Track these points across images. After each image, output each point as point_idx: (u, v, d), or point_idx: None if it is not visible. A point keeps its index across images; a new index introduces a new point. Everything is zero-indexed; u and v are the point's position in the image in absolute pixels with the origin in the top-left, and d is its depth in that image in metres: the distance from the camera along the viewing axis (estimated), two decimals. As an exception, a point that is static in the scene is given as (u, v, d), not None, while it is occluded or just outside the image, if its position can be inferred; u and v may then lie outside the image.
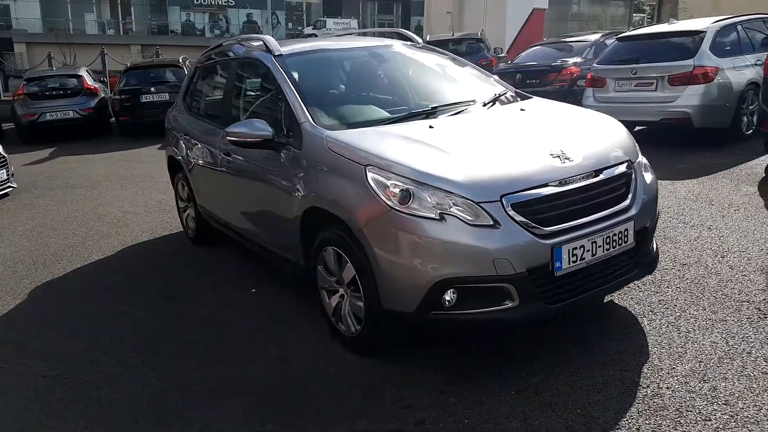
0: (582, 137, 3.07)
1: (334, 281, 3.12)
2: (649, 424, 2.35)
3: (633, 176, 3.00)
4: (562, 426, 2.39)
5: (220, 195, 4.32)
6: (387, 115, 3.38)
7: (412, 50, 4.24)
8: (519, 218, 2.56)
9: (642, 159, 3.17)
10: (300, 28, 46.21)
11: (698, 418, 2.36)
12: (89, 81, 13.40)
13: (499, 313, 2.59)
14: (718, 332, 2.98)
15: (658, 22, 27.95)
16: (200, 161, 4.58)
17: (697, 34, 7.16)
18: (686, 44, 7.16)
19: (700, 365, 2.71)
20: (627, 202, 2.90)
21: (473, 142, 3.01)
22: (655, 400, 2.49)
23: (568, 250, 2.63)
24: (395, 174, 2.68)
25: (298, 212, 3.21)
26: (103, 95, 13.59)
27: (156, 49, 18.10)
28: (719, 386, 2.55)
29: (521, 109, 3.48)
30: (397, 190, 2.64)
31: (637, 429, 2.33)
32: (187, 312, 3.82)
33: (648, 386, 2.59)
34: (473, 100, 3.57)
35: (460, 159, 2.76)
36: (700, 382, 2.59)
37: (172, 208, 6.42)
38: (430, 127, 3.11)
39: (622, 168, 2.95)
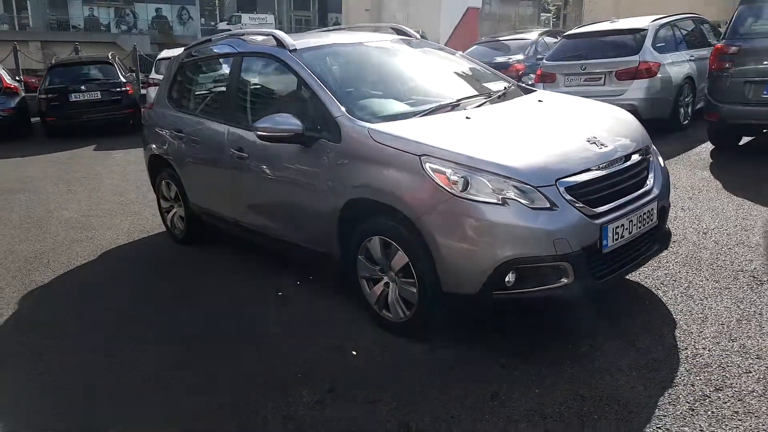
0: (605, 125, 3.32)
1: (377, 270, 3.21)
2: (700, 380, 2.62)
3: (651, 160, 3.29)
4: (624, 385, 2.62)
5: (226, 192, 4.26)
6: (416, 108, 3.48)
7: (416, 45, 4.36)
8: (572, 200, 2.77)
9: (653, 146, 3.47)
10: (213, 23, 44.97)
11: (740, 371, 2.66)
12: (7, 80, 12.51)
13: (556, 290, 2.78)
14: (726, 298, 3.32)
15: (564, 22, 29.52)
16: (198, 158, 4.49)
17: (639, 32, 7.74)
18: (630, 41, 7.73)
19: (723, 327, 3.03)
20: (650, 183, 3.18)
21: (512, 130, 3.19)
22: (698, 360, 2.77)
23: (613, 229, 2.87)
24: (452, 162, 2.81)
25: (337, 204, 3.27)
26: (23, 94, 12.75)
27: (75, 46, 17.12)
28: (747, 344, 2.87)
29: (539, 100, 3.70)
30: (457, 178, 2.77)
31: (692, 385, 2.60)
32: (211, 310, 3.76)
33: (686, 348, 2.87)
34: (490, 92, 3.75)
35: (511, 146, 2.93)
36: (729, 342, 2.90)
37: (140, 209, 6.25)
38: (467, 117, 3.26)
39: (643, 153, 3.23)
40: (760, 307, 3.21)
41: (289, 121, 3.39)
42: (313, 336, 3.30)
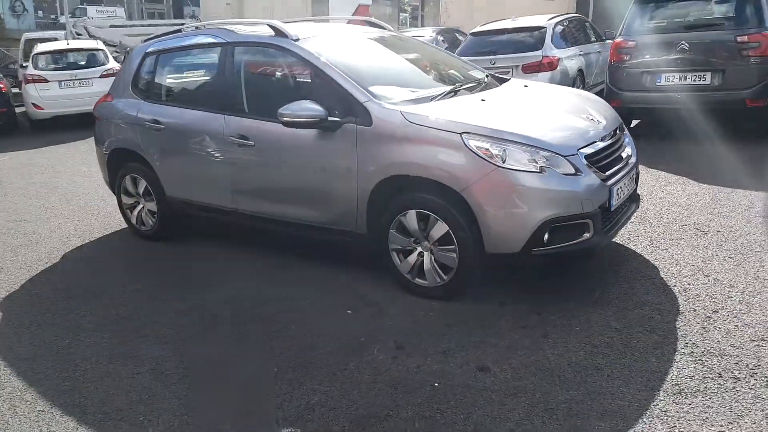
0: (592, 106, 3.89)
1: (411, 241, 3.50)
2: (699, 306, 3.24)
3: (625, 133, 3.91)
4: (644, 316, 3.17)
5: (222, 180, 4.27)
6: (425, 93, 3.80)
7: (397, 37, 4.67)
8: (590, 167, 3.27)
9: None
10: (53, 16, 41.31)
11: (724, 297, 3.33)
12: None
13: (581, 244, 3.27)
14: (685, 246, 4.04)
15: (422, 22, 31.07)
16: (182, 148, 4.45)
17: (538, 30, 8.63)
18: (532, 38, 8.60)
19: (695, 267, 3.71)
20: (629, 152, 3.79)
21: (523, 110, 3.65)
22: (689, 292, 3.41)
23: (616, 190, 3.42)
24: (492, 138, 3.20)
25: (368, 184, 3.51)
26: None
27: None
28: (718, 277, 3.56)
29: (525, 86, 4.19)
30: (498, 151, 3.16)
31: (694, 310, 3.21)
32: (235, 296, 3.81)
33: (675, 285, 3.50)
34: (479, 79, 4.18)
35: (533, 123, 3.37)
36: (704, 277, 3.58)
37: (74, 212, 5.92)
38: (482, 100, 3.66)
39: (620, 128, 3.84)
40: (713, 250, 3.95)
41: (313, 107, 3.56)
42: (349, 308, 3.52)
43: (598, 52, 9.73)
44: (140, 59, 4.85)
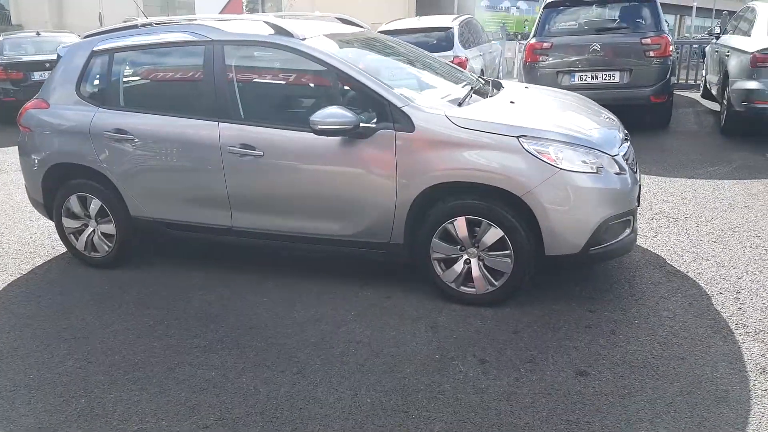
0: (602, 109, 4.06)
1: (457, 249, 3.40)
2: (721, 286, 3.54)
3: None
4: (681, 301, 3.39)
5: (213, 195, 3.81)
6: (446, 96, 3.70)
7: (385, 37, 4.49)
8: (628, 166, 3.41)
9: None
10: None
11: (736, 276, 3.66)
12: None
13: (624, 240, 3.39)
14: (670, 234, 4.39)
15: (263, 10, 30.65)
16: (156, 161, 3.90)
17: (446, 30, 8.83)
18: (441, 38, 8.77)
19: (693, 254, 4.04)
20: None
21: (557, 112, 3.72)
22: (703, 275, 3.70)
23: (640, 187, 3.61)
24: (549, 140, 3.20)
25: (410, 192, 3.35)
26: None
27: None
28: (719, 260, 3.91)
29: (526, 87, 4.26)
30: (558, 154, 3.17)
31: (720, 293, 3.49)
32: (264, 339, 3.42)
33: (688, 271, 3.79)
34: (482, 81, 4.17)
35: (576, 124, 3.43)
36: (705, 261, 3.91)
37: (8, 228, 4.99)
38: (512, 102, 3.65)
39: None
40: (694, 236, 4.33)
41: (345, 114, 3.32)
42: (395, 325, 3.34)
43: (491, 52, 10.22)
44: (86, 59, 4.15)
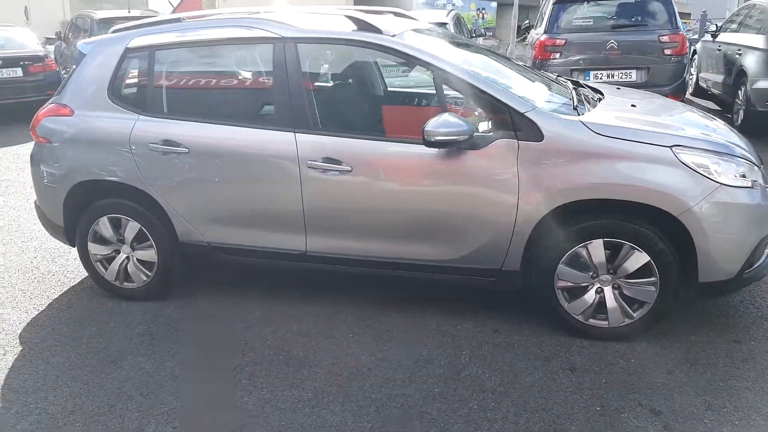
0: (702, 111, 3.78)
1: (589, 275, 3.03)
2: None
3: None
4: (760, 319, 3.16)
5: (293, 217, 3.27)
6: (557, 99, 3.32)
7: (452, 33, 4.04)
8: None
9: None
10: None
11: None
12: None
13: (766, 260, 3.08)
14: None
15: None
16: (224, 179, 3.33)
17: (443, 26, 8.43)
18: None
19: None
20: None
21: (688, 119, 3.38)
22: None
23: None
24: (704, 150, 2.86)
25: (537, 212, 2.94)
26: None
27: None
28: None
29: (618, 88, 3.93)
30: (717, 167, 2.83)
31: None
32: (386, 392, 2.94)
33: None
34: (573, 83, 3.82)
35: (722, 133, 3.11)
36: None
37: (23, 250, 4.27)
38: (633, 105, 3.31)
39: None
40: None
41: (458, 122, 2.88)
42: (529, 367, 2.95)
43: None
44: (119, 58, 3.50)
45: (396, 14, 4.20)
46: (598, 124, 2.92)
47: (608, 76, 7.19)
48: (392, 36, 3.16)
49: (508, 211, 2.98)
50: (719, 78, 8.11)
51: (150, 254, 3.59)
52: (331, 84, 3.41)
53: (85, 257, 3.72)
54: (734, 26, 8.06)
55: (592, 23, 7.43)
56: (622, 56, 7.08)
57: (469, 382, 2.84)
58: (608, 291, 3.03)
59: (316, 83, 3.27)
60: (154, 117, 3.41)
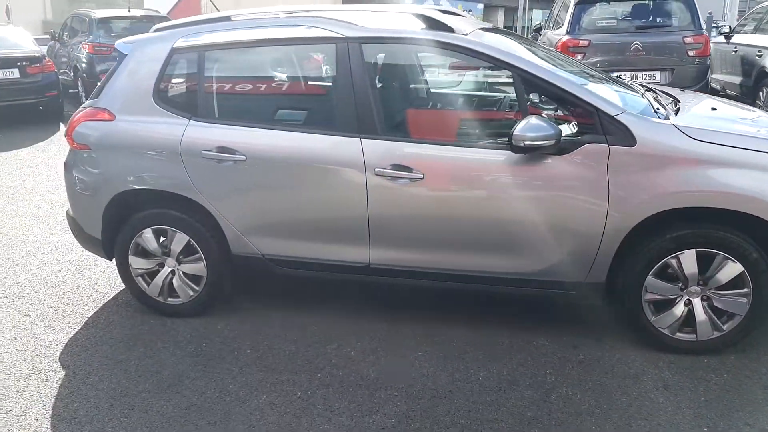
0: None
1: (678, 287, 2.87)
2: None
3: None
4: None
5: (358, 228, 3.07)
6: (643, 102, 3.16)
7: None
8: None
9: None
10: None
11: None
12: None
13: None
14: None
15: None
16: (284, 188, 3.12)
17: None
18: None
19: None
20: None
21: (751, 121, 3.23)
22: None
23: None
24: None
25: (628, 221, 2.78)
26: None
27: None
28: None
29: (681, 91, 3.78)
30: None
31: None
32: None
33: None
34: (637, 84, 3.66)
35: None
36: None
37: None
38: (713, 108, 3.16)
39: None
40: None
41: (547, 126, 2.71)
42: (628, 387, 2.79)
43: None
44: (165, 58, 3.27)
45: (445, 11, 4.03)
46: (693, 128, 2.77)
47: (632, 78, 7.07)
48: (465, 35, 2.98)
49: (596, 221, 2.81)
50: (736, 79, 8.06)
51: (198, 267, 3.36)
52: (401, 85, 3.22)
53: (124, 271, 3.47)
54: (750, 28, 8.02)
55: (615, 24, 7.33)
56: (646, 57, 6.99)
57: (561, 404, 2.66)
58: (697, 303, 2.88)
59: (385, 85, 3.07)
60: (206, 122, 3.19)
